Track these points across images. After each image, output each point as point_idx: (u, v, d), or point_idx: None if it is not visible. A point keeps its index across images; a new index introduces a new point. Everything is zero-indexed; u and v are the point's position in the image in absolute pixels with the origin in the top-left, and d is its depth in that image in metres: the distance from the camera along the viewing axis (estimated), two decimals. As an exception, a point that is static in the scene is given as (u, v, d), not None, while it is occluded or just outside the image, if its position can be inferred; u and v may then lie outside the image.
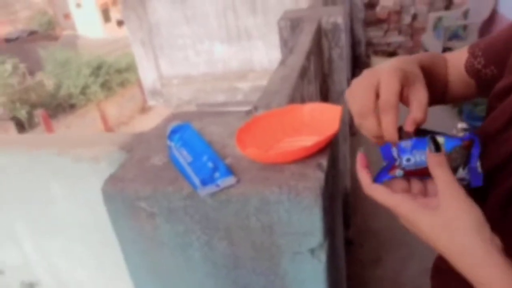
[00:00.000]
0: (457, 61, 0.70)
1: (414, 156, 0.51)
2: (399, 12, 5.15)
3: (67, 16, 23.87)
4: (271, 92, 1.04)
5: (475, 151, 0.51)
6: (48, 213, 1.09)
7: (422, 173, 0.52)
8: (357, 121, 0.55)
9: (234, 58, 5.11)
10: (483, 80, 0.67)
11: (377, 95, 0.53)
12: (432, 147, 0.48)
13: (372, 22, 5.27)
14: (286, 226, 0.67)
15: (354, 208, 2.83)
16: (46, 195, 1.05)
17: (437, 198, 0.48)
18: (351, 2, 4.69)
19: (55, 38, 21.11)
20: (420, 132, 0.53)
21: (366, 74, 0.56)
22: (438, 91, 0.69)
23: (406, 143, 0.52)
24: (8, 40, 19.35)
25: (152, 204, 0.72)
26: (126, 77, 11.09)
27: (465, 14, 4.58)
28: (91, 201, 0.93)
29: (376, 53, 5.03)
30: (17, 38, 19.36)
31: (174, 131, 0.79)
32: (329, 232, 0.71)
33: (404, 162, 0.52)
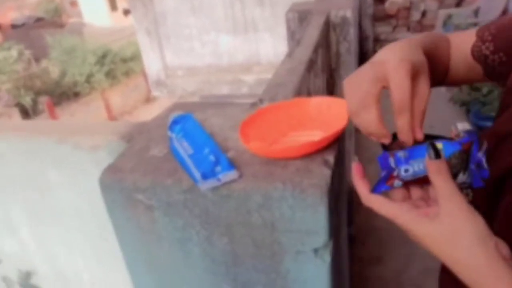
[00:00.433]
0: (463, 43, 0.66)
1: (412, 166, 0.48)
2: (408, 8, 5.08)
3: (73, 3, 23.81)
4: (276, 85, 1.01)
5: (475, 151, 0.48)
6: (46, 201, 1.07)
7: (422, 181, 0.49)
8: (354, 112, 0.52)
9: (239, 50, 5.07)
10: (490, 66, 0.63)
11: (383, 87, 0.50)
12: (432, 153, 0.45)
13: (381, 17, 5.20)
14: (288, 223, 0.64)
15: (357, 204, 2.80)
16: (45, 182, 1.03)
17: (438, 207, 0.45)
18: (360, -4, 4.63)
19: (61, 26, 21.06)
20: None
21: (370, 65, 0.52)
22: (439, 74, 0.65)
23: (403, 153, 0.49)
24: (14, 26, 19.31)
25: (151, 197, 0.70)
26: (131, 66, 11.06)
27: (476, 12, 4.51)
28: (89, 191, 0.91)
29: (384, 49, 4.96)
30: (23, 25, 19.31)
31: (175, 122, 0.77)
32: (334, 231, 0.68)
33: (403, 173, 0.49)
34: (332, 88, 1.99)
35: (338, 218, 0.76)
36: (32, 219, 1.11)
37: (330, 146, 0.70)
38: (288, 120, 0.78)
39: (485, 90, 3.24)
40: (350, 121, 0.69)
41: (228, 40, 4.96)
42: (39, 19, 20.64)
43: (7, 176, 1.08)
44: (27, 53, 13.49)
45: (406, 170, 0.49)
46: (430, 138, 0.51)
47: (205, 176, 0.64)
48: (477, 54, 0.64)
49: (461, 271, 0.43)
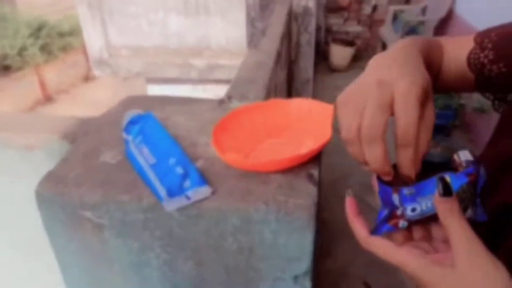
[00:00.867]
0: (458, 49, 0.60)
1: (420, 204, 0.41)
2: (360, 2, 5.14)
3: (4, -33, 21.68)
4: (246, 81, 0.91)
5: (481, 183, 0.42)
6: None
7: (427, 220, 0.42)
8: (352, 142, 0.43)
9: (190, 32, 4.85)
10: (485, 76, 0.57)
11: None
12: (441, 190, 0.38)
13: (333, 9, 5.22)
14: (269, 249, 0.55)
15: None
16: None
17: (452, 252, 0.39)
18: (314, -14, 4.58)
19: (-11, -8, 19.11)
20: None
21: (374, 82, 0.42)
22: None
23: (409, 190, 0.42)
24: None
25: (101, 215, 0.57)
26: (69, 41, 10.28)
27: (423, 10, 4.66)
28: (21, 199, 0.76)
29: (335, 41, 5.00)
30: None
31: (132, 122, 0.64)
32: (315, 255, 0.61)
33: (409, 213, 0.42)
34: (291, 82, 1.91)
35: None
36: None
37: (313, 158, 0.62)
38: (265, 125, 0.68)
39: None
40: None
41: (177, 21, 4.73)
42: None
43: None
44: None
45: (413, 209, 0.42)
46: (429, 166, 0.44)
47: (171, 193, 0.53)
48: (473, 62, 0.58)
49: None
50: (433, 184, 0.40)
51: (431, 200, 0.41)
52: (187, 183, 0.54)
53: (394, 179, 0.44)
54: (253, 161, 0.60)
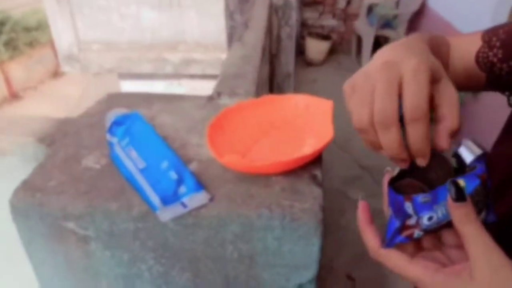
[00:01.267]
0: (465, 48, 0.59)
1: (436, 212, 0.38)
2: (335, -5, 5.14)
3: (-38, -41, 20.64)
4: (233, 76, 0.86)
5: (489, 182, 0.40)
6: None
7: (441, 227, 0.39)
8: (366, 129, 0.39)
9: (164, 26, 4.74)
10: (496, 75, 0.56)
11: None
12: (454, 194, 0.35)
13: (309, 2, 5.20)
14: (273, 257, 0.51)
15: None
16: None
17: (469, 263, 0.36)
18: (289, -21, 4.55)
19: None
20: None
21: (379, 64, 0.40)
22: None
23: (424, 197, 0.39)
24: None
25: (86, 226, 0.52)
26: (36, 36, 9.90)
27: (397, 4, 4.70)
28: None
29: (311, 34, 4.99)
30: None
31: (117, 123, 0.59)
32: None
33: (426, 222, 0.38)
34: (272, 76, 1.88)
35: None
36: None
37: (316, 158, 0.58)
38: (260, 123, 0.64)
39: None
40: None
41: (151, 15, 4.60)
42: None
43: None
44: None
45: (430, 218, 0.38)
46: (436, 158, 0.41)
47: (166, 201, 0.48)
48: (482, 61, 0.56)
49: None
50: (446, 190, 0.37)
51: (445, 206, 0.38)
52: (182, 189, 0.50)
53: (405, 185, 0.41)
54: (257, 163, 0.55)
